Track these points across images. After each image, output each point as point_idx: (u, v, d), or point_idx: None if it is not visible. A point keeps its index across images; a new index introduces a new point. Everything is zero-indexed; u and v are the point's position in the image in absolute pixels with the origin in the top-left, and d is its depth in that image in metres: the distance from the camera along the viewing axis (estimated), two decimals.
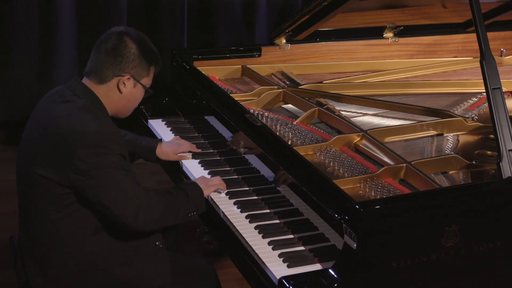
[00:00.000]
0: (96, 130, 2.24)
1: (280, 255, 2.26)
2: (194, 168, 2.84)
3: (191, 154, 2.94)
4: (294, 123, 2.94)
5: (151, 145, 2.87)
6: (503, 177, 2.31)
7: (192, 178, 2.75)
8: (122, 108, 2.44)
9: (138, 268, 2.38)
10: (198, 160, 2.90)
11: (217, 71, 3.48)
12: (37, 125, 2.36)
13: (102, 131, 2.25)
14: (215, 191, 2.61)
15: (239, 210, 2.53)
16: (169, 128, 3.20)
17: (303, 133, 2.84)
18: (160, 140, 3.02)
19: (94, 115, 2.30)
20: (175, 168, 2.94)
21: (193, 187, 2.49)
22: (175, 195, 2.42)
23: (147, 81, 2.45)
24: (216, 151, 2.98)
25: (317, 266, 2.21)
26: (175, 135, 3.12)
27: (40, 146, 2.29)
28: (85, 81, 2.39)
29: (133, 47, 2.38)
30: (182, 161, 2.89)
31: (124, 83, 2.38)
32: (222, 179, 2.67)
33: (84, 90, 2.36)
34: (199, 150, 2.94)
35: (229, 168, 2.83)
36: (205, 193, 2.52)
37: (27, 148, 2.36)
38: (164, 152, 2.88)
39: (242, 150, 2.83)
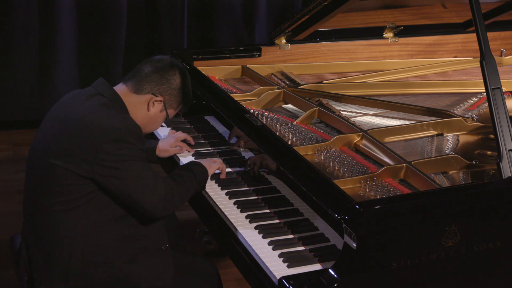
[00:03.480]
0: (120, 125, 2.33)
1: (280, 255, 2.26)
2: None
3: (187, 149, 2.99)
4: (294, 123, 2.94)
5: (151, 146, 2.93)
6: (503, 177, 2.31)
7: None
8: (141, 125, 2.49)
9: (142, 267, 2.41)
10: (195, 157, 2.91)
11: (217, 71, 3.48)
12: (58, 118, 2.42)
13: (126, 126, 2.34)
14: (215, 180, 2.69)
15: (239, 210, 2.53)
16: (169, 128, 3.19)
17: (303, 133, 2.84)
18: (158, 140, 3.05)
19: (115, 111, 2.39)
20: (172, 164, 2.96)
21: (199, 167, 2.63)
22: (186, 177, 2.55)
23: (172, 113, 2.58)
24: (216, 151, 2.98)
25: (317, 266, 2.21)
26: None
27: (60, 137, 2.35)
28: (121, 86, 2.50)
29: (178, 79, 2.53)
30: (180, 158, 2.92)
31: (154, 103, 2.49)
32: (222, 179, 2.70)
33: (109, 91, 2.45)
34: (193, 143, 3.01)
35: (229, 168, 2.83)
36: (209, 173, 2.66)
37: (45, 140, 2.41)
38: (162, 149, 2.94)
39: (242, 149, 2.84)
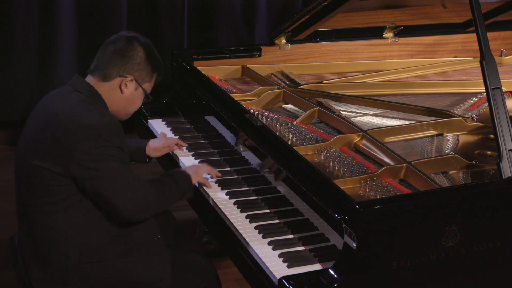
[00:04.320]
0: (97, 122, 2.29)
1: (280, 255, 2.26)
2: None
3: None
4: (294, 123, 2.95)
5: (141, 145, 2.91)
6: (503, 177, 2.31)
7: None
8: (121, 109, 2.48)
9: (137, 261, 2.40)
10: (194, 157, 2.91)
11: (217, 71, 3.48)
12: (37, 118, 2.40)
13: (103, 123, 2.30)
14: (206, 181, 2.67)
15: (239, 210, 2.53)
16: (169, 128, 3.20)
17: (303, 133, 2.84)
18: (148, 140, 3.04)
19: (94, 107, 2.36)
20: (171, 164, 2.95)
21: (182, 175, 2.57)
22: (166, 184, 2.48)
23: (148, 86, 2.51)
24: (216, 151, 2.98)
25: (317, 266, 2.21)
26: (174, 135, 3.12)
27: (40, 138, 2.33)
28: (89, 78, 2.45)
29: (140, 51, 2.44)
30: (180, 158, 2.90)
31: (126, 84, 2.43)
32: (222, 179, 2.69)
33: (85, 86, 2.41)
34: (186, 145, 2.97)
35: (229, 168, 2.83)
36: (194, 180, 2.60)
37: (27, 141, 2.39)
38: (153, 148, 2.91)
39: (242, 148, 2.84)
